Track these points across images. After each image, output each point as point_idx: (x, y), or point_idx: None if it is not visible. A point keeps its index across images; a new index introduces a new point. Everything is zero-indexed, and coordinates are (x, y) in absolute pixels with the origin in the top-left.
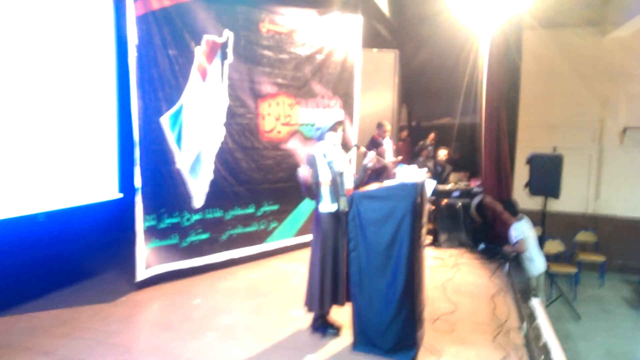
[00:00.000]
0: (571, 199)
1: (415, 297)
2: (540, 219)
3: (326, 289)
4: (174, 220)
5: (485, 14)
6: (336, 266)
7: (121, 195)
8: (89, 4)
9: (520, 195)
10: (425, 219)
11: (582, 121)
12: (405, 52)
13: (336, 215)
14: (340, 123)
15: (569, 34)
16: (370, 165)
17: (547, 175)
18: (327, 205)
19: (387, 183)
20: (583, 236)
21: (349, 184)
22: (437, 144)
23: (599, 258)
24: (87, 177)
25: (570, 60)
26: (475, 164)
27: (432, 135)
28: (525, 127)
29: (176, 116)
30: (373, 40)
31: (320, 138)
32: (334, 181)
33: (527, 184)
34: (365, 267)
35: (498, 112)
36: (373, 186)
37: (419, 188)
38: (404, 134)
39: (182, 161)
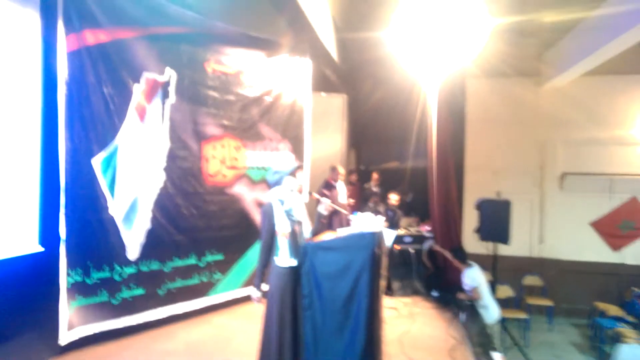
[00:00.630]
0: (516, 243)
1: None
2: (491, 265)
3: (285, 355)
4: (104, 274)
5: (430, 64)
6: (296, 327)
7: (41, 248)
8: (11, 36)
9: (469, 240)
10: (384, 270)
11: (524, 167)
12: (354, 97)
13: (295, 270)
14: (300, 167)
15: (509, 83)
16: (325, 213)
17: (496, 220)
18: (285, 259)
19: (342, 232)
20: (530, 280)
21: (307, 233)
22: (384, 187)
23: (546, 302)
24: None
25: (511, 108)
26: (425, 209)
27: (375, 176)
28: (471, 171)
29: (109, 159)
30: (321, 84)
31: (277, 183)
32: (292, 232)
33: (477, 230)
34: (321, 328)
35: (446, 157)
36: (328, 235)
37: (377, 237)
38: (353, 177)
39: (114, 208)
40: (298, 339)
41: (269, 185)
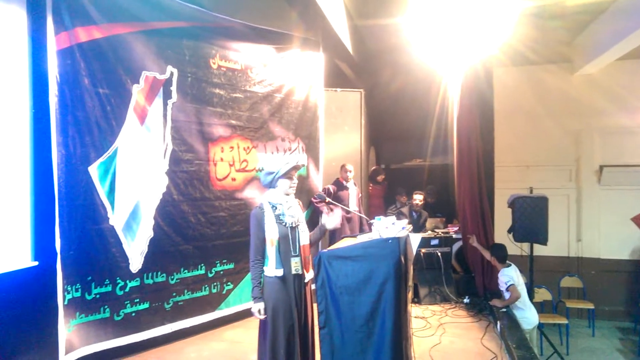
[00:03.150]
0: (552, 242)
1: None
2: (527, 267)
3: None
4: (105, 289)
5: (452, 53)
6: (291, 349)
7: (35, 263)
8: None
9: (502, 241)
10: (411, 281)
11: (558, 160)
12: (371, 92)
13: (284, 280)
14: (296, 168)
15: (540, 70)
16: (328, 227)
17: (532, 219)
18: (272, 269)
19: (362, 238)
20: (568, 282)
21: (304, 239)
22: (408, 187)
23: (587, 305)
24: None
25: (542, 98)
26: (450, 208)
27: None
28: (501, 166)
29: (108, 165)
30: (336, 79)
31: (271, 186)
32: (284, 238)
33: (511, 229)
34: (340, 348)
35: (477, 152)
36: (345, 242)
37: (402, 244)
38: (381, 177)
39: (115, 218)
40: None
41: (266, 188)
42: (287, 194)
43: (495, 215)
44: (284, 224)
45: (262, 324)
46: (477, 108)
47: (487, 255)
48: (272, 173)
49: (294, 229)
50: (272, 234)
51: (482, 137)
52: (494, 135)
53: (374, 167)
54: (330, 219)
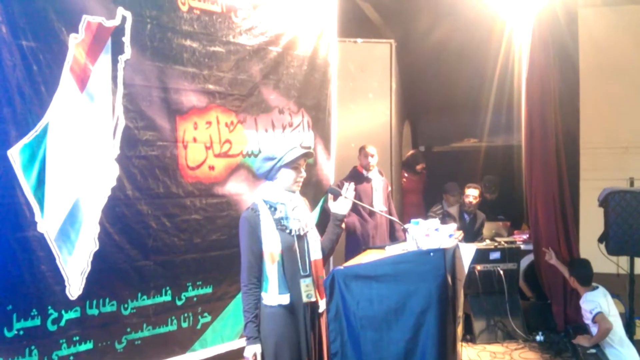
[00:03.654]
0: None
1: None
2: (627, 291)
3: None
4: (32, 323)
5: None
6: None
7: None
8: None
9: (590, 253)
10: (461, 311)
11: None
12: (405, 44)
13: (292, 311)
14: (307, 155)
15: None
16: (343, 213)
17: (632, 223)
18: (274, 296)
19: (392, 250)
20: None
21: (315, 253)
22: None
23: None
24: None
25: None
26: (517, 208)
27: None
28: (588, 149)
29: (34, 147)
30: (356, 26)
31: (269, 176)
32: (289, 252)
33: (602, 238)
34: None
35: (554, 129)
36: (368, 256)
37: (449, 258)
38: (420, 166)
39: (45, 222)
40: None
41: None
42: (291, 191)
43: (581, 217)
44: (288, 231)
45: None
46: (556, 66)
47: (567, 274)
48: (272, 159)
49: (301, 237)
50: (272, 246)
51: (561, 108)
52: (579, 104)
53: (411, 151)
54: (340, 203)
